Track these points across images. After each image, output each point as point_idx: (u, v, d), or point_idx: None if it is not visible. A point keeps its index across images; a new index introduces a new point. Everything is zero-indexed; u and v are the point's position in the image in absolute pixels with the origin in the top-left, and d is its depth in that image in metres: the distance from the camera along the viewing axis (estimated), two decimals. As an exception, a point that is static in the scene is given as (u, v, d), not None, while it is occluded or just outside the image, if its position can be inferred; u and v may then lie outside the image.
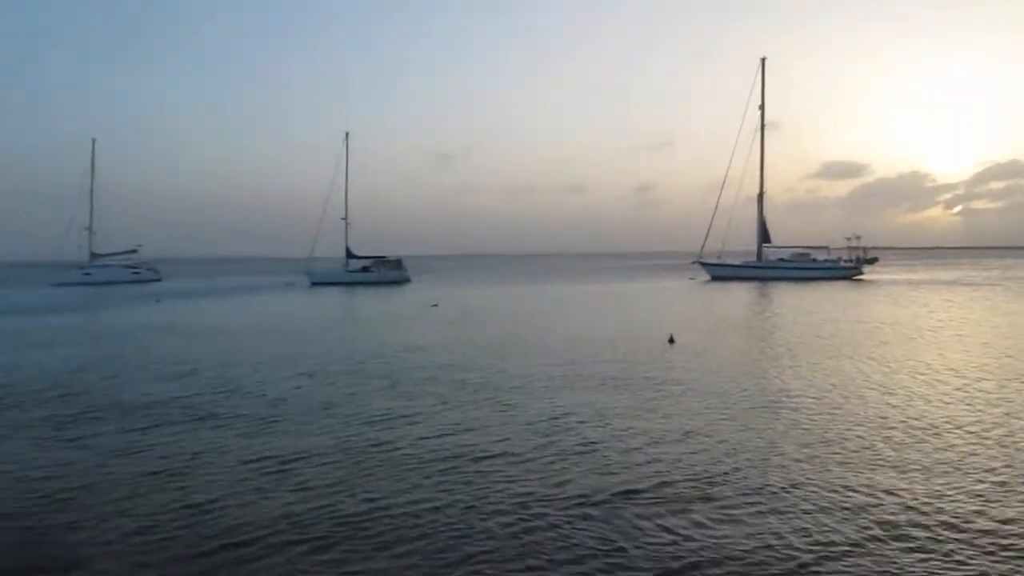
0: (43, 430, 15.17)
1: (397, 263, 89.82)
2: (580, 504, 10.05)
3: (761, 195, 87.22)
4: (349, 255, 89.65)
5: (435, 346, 28.03)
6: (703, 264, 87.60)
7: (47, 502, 10.67)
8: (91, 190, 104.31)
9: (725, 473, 11.38)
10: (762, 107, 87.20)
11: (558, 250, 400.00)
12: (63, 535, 9.47)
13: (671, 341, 27.68)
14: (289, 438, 14.13)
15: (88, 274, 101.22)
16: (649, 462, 12.05)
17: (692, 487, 10.71)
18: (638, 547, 8.58)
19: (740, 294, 59.99)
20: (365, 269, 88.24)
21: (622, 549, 8.53)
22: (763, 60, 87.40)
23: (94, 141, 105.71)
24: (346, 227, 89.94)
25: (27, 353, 28.11)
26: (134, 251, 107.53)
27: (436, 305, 51.36)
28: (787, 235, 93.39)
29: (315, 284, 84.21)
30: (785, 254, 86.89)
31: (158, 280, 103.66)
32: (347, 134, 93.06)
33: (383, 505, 10.20)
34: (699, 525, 9.22)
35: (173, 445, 13.78)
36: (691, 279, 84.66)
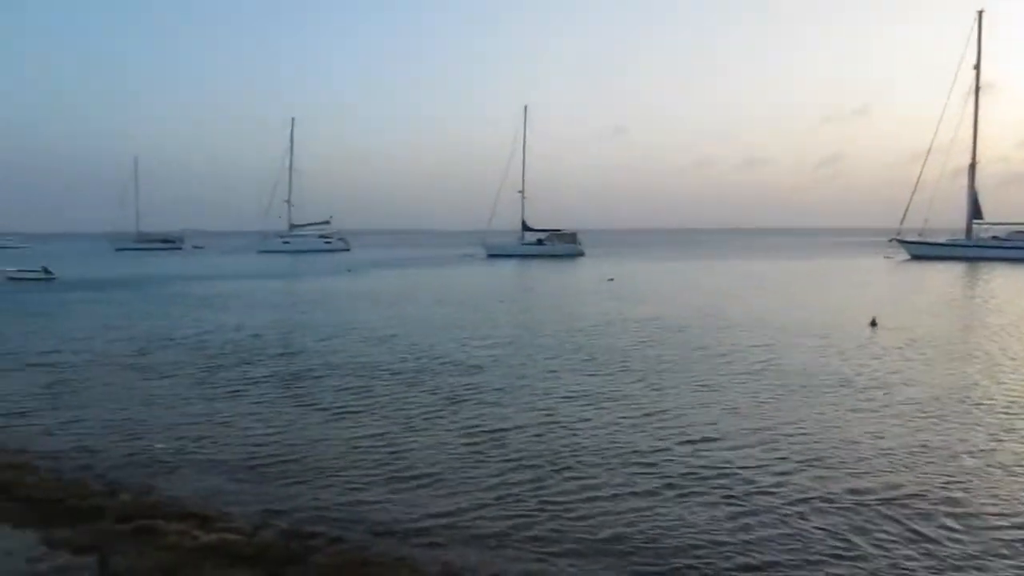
0: (270, 388, 16.52)
1: (572, 237, 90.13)
2: (805, 500, 9.43)
3: (973, 166, 78.35)
4: (525, 228, 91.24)
5: (620, 321, 27.77)
6: (902, 242, 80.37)
7: (276, 459, 11.61)
8: (290, 166, 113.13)
9: (966, 477, 10.27)
10: (977, 66, 78.03)
11: (734, 225, 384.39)
12: (286, 489, 10.24)
13: (873, 324, 25.62)
14: (493, 408, 14.49)
15: (287, 243, 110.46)
16: (877, 457, 11.13)
17: (932, 490, 9.75)
18: (879, 551, 7.91)
19: (946, 275, 54.54)
20: (540, 242, 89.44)
21: (860, 551, 7.90)
22: (980, 13, 78.12)
23: (293, 120, 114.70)
24: (522, 200, 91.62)
25: (247, 314, 31.07)
26: (327, 222, 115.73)
27: (612, 279, 51.02)
28: (1002, 211, 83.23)
29: (491, 256, 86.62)
30: (1000, 232, 77.82)
31: (347, 250, 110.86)
32: (525, 108, 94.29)
33: (591, 485, 10.11)
34: (945, 530, 8.37)
35: (387, 408, 14.54)
36: (887, 258, 78.06)
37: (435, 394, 15.71)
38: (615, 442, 12.07)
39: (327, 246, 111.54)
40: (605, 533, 8.48)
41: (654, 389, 16.10)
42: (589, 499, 9.55)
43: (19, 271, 58.98)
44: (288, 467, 11.17)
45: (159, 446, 12.19)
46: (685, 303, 34.68)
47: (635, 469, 10.72)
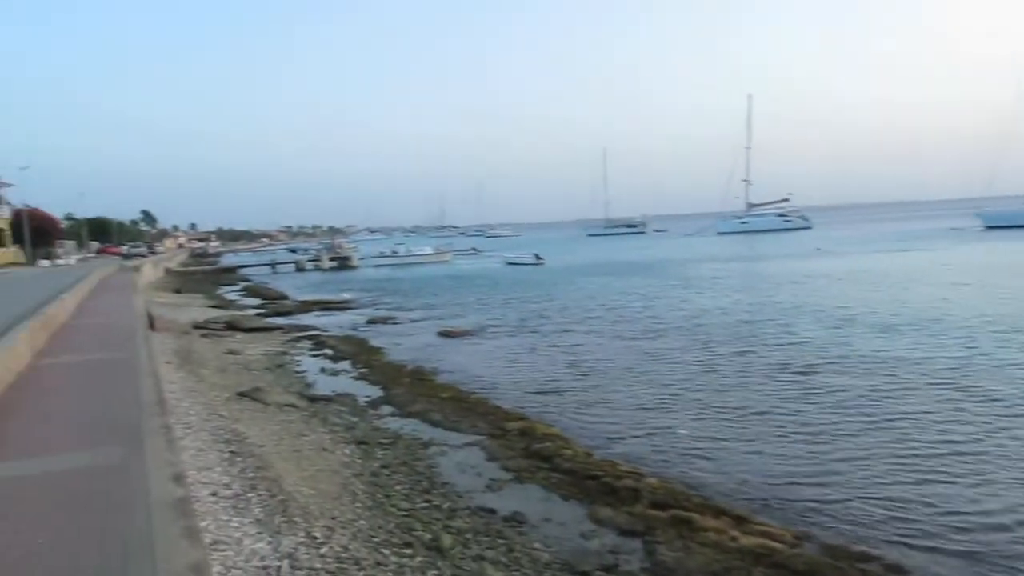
0: (780, 381, 15.49)
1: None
2: None
3: None
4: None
5: None
6: None
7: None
8: (747, 145, 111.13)
9: None
10: None
11: None
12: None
13: None
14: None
15: (745, 223, 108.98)
16: None
17: None
18: None
19: None
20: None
21: None
22: None
23: (750, 97, 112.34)
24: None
25: (727, 296, 30.81)
26: (785, 200, 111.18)
27: None
28: None
29: (990, 228, 73.14)
30: None
31: (808, 228, 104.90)
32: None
33: None
34: None
35: (939, 421, 12.42)
36: None
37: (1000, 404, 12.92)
38: None
39: (787, 224, 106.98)
40: None
41: None
42: None
43: (516, 256, 68.92)
44: (820, 476, 10.11)
45: (682, 431, 12.10)
46: None
47: None
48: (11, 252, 63.79)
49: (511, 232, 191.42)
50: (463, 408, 14.05)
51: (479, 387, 16.09)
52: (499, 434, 12.45)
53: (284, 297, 42.14)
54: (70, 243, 76.89)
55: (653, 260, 60.81)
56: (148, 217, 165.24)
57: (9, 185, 69.32)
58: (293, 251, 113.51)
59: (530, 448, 11.75)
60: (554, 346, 21.22)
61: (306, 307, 35.54)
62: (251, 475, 8.58)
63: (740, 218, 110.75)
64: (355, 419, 13.26)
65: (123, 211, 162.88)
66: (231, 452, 9.43)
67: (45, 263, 60.08)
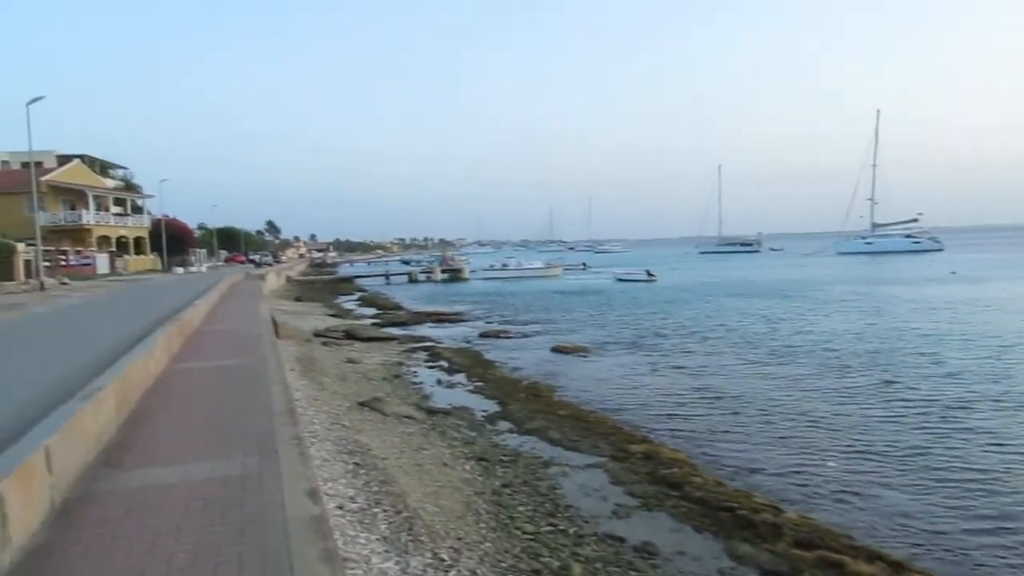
0: (933, 418, 14.18)
1: None
2: None
3: None
4: None
5: None
6: None
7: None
8: (873, 162, 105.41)
9: None
10: None
11: None
12: None
13: None
14: None
15: (869, 243, 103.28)
16: None
17: None
18: None
19: None
20: None
21: None
22: None
23: (878, 112, 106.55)
24: None
25: (860, 319, 28.91)
26: (914, 220, 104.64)
27: None
28: None
29: None
30: None
31: (939, 250, 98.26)
32: None
33: None
34: None
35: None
36: None
37: None
38: None
39: (915, 246, 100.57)
40: None
41: None
42: None
43: (627, 272, 67.81)
44: (991, 523, 9.02)
45: (831, 465, 11.16)
46: None
47: None
48: (151, 259, 68.34)
49: (620, 248, 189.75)
50: (582, 427, 13.55)
51: (598, 405, 15.55)
52: (622, 456, 11.86)
53: (399, 307, 42.95)
54: (201, 251, 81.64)
55: (772, 280, 58.33)
56: (272, 227, 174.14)
57: (150, 196, 74.50)
58: (406, 262, 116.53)
59: (656, 473, 11.12)
60: (677, 367, 20.37)
61: (420, 318, 36.00)
62: (375, 489, 8.39)
63: (864, 238, 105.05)
64: (473, 434, 13.01)
65: (249, 221, 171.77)
66: (355, 464, 9.31)
67: (179, 270, 63.96)
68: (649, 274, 63.35)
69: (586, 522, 9.09)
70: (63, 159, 64.27)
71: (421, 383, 18.11)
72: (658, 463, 11.48)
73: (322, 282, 70.26)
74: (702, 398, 16.24)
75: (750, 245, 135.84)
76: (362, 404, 14.08)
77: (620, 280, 64.27)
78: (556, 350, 24.30)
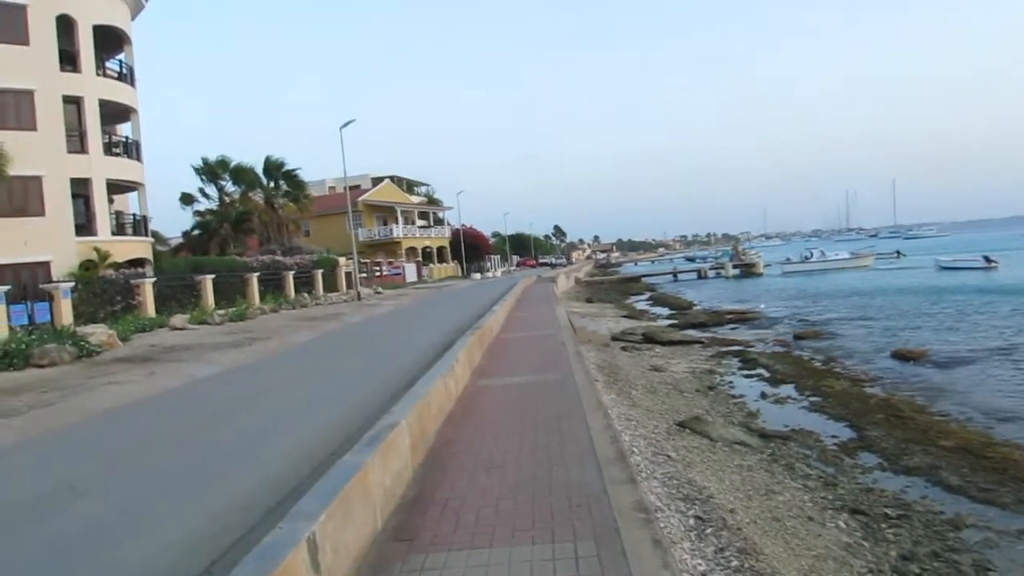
0: None
1: None
2: None
3: None
4: None
5: None
6: None
7: None
8: None
9: None
10: None
11: None
12: None
13: None
14: None
15: None
16: None
17: None
18: None
19: None
20: None
21: None
22: None
23: None
24: None
25: None
26: None
27: None
28: None
29: None
30: None
31: None
32: None
33: None
34: None
35: None
36: None
37: None
38: None
39: None
40: None
41: None
42: None
43: (954, 260, 57.61)
44: None
45: None
46: None
47: None
48: (451, 267, 72.97)
49: (935, 232, 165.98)
50: (986, 466, 9.99)
51: (994, 432, 11.74)
52: (1069, 517, 8.30)
53: (692, 306, 40.23)
54: (495, 257, 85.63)
55: None
56: (559, 231, 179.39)
57: (450, 208, 79.71)
58: (691, 259, 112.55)
59: None
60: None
61: (718, 318, 33.00)
62: (734, 563, 6.16)
63: None
64: (830, 470, 10.17)
65: (538, 226, 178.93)
66: (696, 518, 7.14)
67: (476, 276, 67.29)
68: (988, 260, 53.06)
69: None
70: (376, 180, 71.09)
71: (742, 397, 15.44)
72: None
73: (609, 282, 69.59)
74: None
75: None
76: (681, 425, 11.90)
77: (944, 268, 54.84)
78: (897, 356, 20.07)
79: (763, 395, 15.69)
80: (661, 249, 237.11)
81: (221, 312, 24.02)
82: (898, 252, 76.94)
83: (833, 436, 12.12)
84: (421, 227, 71.28)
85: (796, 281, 55.63)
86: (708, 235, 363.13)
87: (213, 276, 26.60)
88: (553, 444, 6.50)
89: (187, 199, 44.26)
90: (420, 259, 66.11)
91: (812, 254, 70.66)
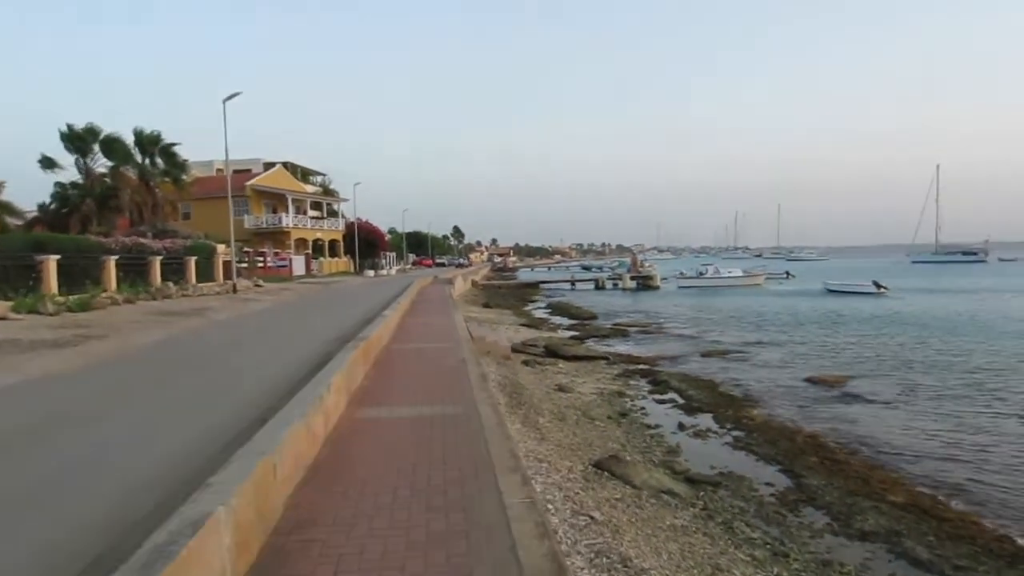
0: None
1: None
2: None
3: None
4: None
5: None
6: None
7: None
8: None
9: None
10: None
11: None
12: None
13: None
14: None
15: None
16: None
17: None
18: None
19: None
20: None
21: None
22: None
23: None
24: None
25: None
26: None
27: None
28: None
29: None
30: None
31: None
32: None
33: None
34: None
35: None
36: None
37: None
38: None
39: None
40: None
41: None
42: None
43: (841, 284, 59.37)
44: None
45: None
46: None
47: None
48: (344, 262, 69.33)
49: (815, 255, 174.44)
50: (950, 533, 8.64)
51: (943, 488, 10.49)
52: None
53: (594, 317, 39.06)
54: (391, 255, 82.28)
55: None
56: (457, 232, 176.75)
57: (345, 200, 75.97)
58: (587, 268, 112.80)
59: None
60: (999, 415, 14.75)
61: (620, 330, 31.87)
62: None
63: None
64: (774, 532, 8.56)
65: (437, 226, 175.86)
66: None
67: (370, 273, 64.00)
68: (878, 286, 54.68)
69: None
70: (269, 166, 66.63)
71: (658, 427, 13.82)
72: None
73: (508, 287, 68.02)
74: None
75: (974, 254, 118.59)
76: (598, 466, 10.08)
77: (832, 292, 56.36)
78: (811, 381, 19.23)
79: (681, 426, 14.16)
80: (557, 256, 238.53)
81: (60, 300, 20.45)
82: (787, 273, 79.03)
83: (768, 484, 10.60)
84: (314, 218, 67.35)
85: (690, 296, 55.83)
86: (603, 244, 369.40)
87: (59, 257, 22.85)
88: (455, 536, 4.42)
89: (48, 163, 38.90)
90: (310, 252, 62.31)
91: (707, 270, 71.46)
